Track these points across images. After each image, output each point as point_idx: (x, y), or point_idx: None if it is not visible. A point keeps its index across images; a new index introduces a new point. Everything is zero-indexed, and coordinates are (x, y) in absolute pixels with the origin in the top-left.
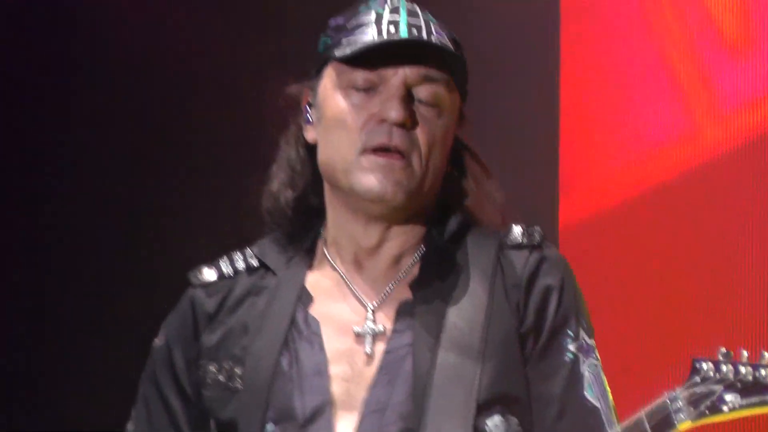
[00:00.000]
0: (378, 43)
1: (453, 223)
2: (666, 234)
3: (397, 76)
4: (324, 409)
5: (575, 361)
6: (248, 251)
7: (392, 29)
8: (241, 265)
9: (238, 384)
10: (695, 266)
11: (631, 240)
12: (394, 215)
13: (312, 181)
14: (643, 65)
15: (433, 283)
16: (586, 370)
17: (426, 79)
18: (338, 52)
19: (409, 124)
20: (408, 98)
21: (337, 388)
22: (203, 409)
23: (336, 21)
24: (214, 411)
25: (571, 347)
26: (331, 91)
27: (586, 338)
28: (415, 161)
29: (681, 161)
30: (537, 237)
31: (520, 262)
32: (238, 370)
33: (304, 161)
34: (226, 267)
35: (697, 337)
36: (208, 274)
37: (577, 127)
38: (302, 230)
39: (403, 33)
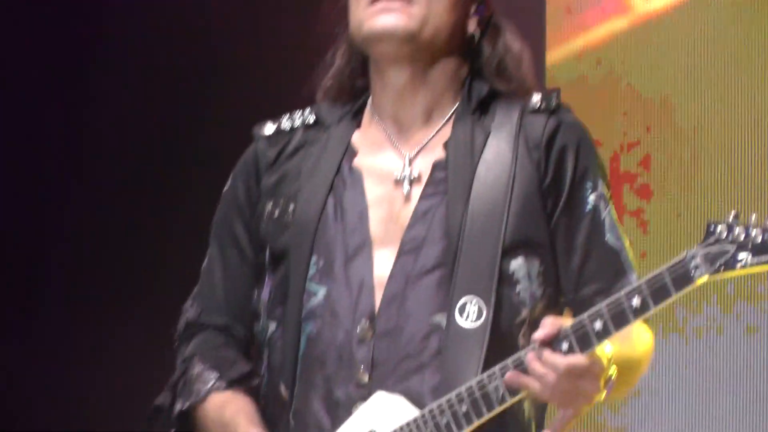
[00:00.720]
0: None
1: (481, 91)
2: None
3: None
4: (364, 247)
5: (596, 210)
6: (307, 110)
7: None
8: (298, 121)
9: (289, 218)
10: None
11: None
12: (409, 53)
13: (360, 67)
14: None
15: (463, 142)
16: (606, 217)
17: None
18: None
19: None
20: None
21: (376, 228)
22: (262, 241)
23: None
24: (269, 241)
25: (591, 198)
26: None
27: (603, 189)
28: (416, 4)
29: None
30: (554, 102)
31: (540, 125)
32: (290, 207)
33: (351, 51)
34: (285, 122)
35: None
36: (269, 128)
37: None
38: (351, 98)
39: None
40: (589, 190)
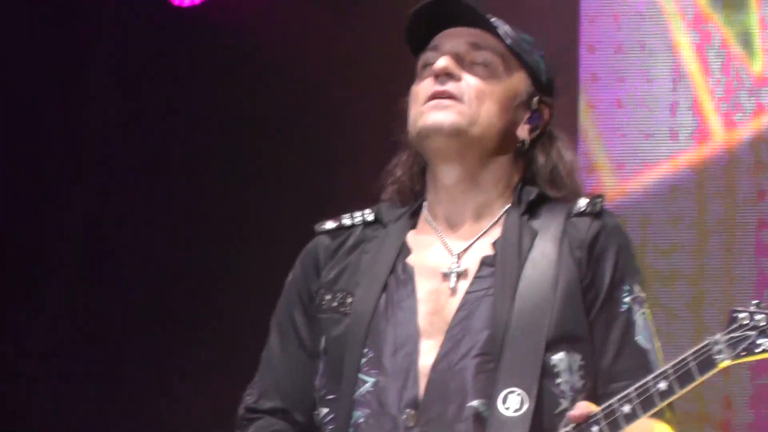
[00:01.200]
0: (415, 12)
1: (530, 194)
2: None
3: (442, 41)
4: (411, 339)
5: (630, 311)
6: (366, 210)
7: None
8: (359, 219)
9: (347, 309)
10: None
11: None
12: (457, 149)
13: (419, 172)
14: None
15: (511, 242)
16: (638, 319)
17: (474, 47)
18: (408, 37)
19: (455, 72)
20: (456, 58)
21: (423, 322)
22: (320, 330)
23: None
24: (326, 330)
25: (627, 299)
26: (416, 80)
27: (639, 292)
28: (466, 100)
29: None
30: (599, 206)
31: (584, 227)
32: (348, 300)
33: (414, 157)
34: (345, 220)
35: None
36: (329, 224)
37: None
38: (410, 199)
39: None
40: (626, 293)
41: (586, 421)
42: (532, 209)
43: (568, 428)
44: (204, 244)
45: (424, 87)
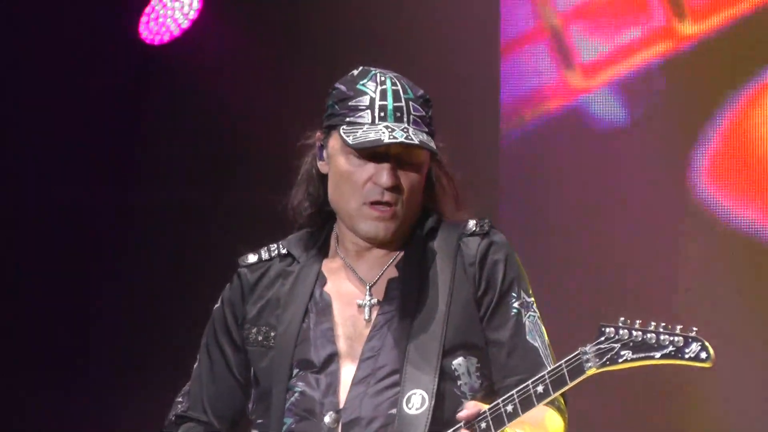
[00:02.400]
0: (372, 142)
1: (428, 223)
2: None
3: (388, 151)
4: (333, 359)
5: (519, 314)
6: (280, 244)
7: (382, 114)
8: (274, 252)
9: (272, 343)
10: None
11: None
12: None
13: (324, 196)
14: None
15: (413, 264)
16: (526, 321)
17: (407, 160)
18: (344, 134)
19: (396, 186)
20: (395, 165)
21: (342, 345)
22: (246, 359)
23: (340, 89)
24: (254, 362)
25: (516, 304)
26: (338, 151)
27: (526, 297)
28: (400, 208)
29: None
30: (486, 227)
31: (474, 245)
32: (272, 333)
33: (318, 183)
34: (264, 253)
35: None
36: (251, 258)
37: None
38: (318, 229)
39: (390, 119)
40: (515, 299)
41: (476, 418)
42: (429, 232)
43: (459, 425)
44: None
45: (366, 181)
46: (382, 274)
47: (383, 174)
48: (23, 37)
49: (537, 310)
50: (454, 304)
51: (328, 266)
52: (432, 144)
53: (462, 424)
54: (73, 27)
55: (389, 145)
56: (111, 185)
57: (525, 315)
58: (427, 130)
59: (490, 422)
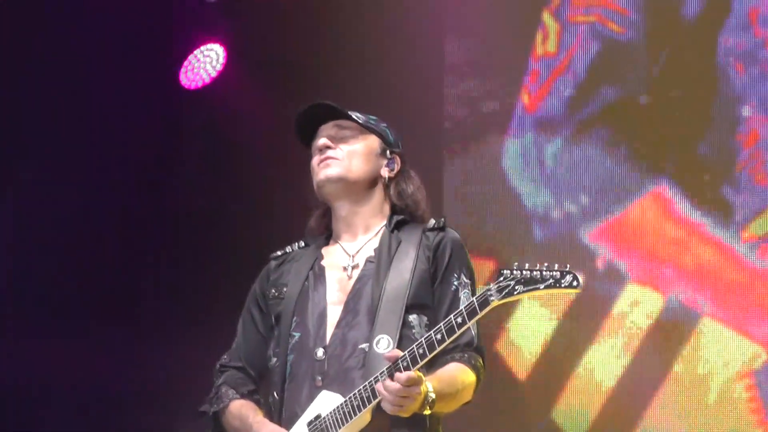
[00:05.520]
0: (301, 112)
1: (394, 220)
2: None
3: (320, 131)
4: (323, 308)
5: (456, 290)
6: (302, 240)
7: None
8: (296, 247)
9: (283, 295)
10: None
11: None
12: (344, 192)
13: (323, 216)
14: None
15: (384, 245)
16: (462, 296)
17: (339, 128)
18: (298, 135)
19: (330, 145)
20: (330, 138)
21: (331, 297)
22: (269, 319)
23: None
24: (272, 312)
25: (455, 282)
26: (312, 160)
27: (465, 279)
28: (339, 157)
29: None
30: (442, 224)
31: (433, 237)
32: (284, 289)
33: (320, 212)
34: (288, 248)
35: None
36: (278, 252)
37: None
38: (323, 231)
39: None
40: (456, 278)
41: (400, 356)
42: (398, 227)
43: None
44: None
45: (315, 160)
46: (362, 248)
47: (317, 142)
48: (91, 78)
49: (471, 290)
50: (415, 277)
51: (326, 248)
52: (345, 113)
53: (384, 371)
54: (131, 74)
55: (306, 107)
56: (157, 193)
57: (461, 291)
58: (349, 114)
59: (409, 361)
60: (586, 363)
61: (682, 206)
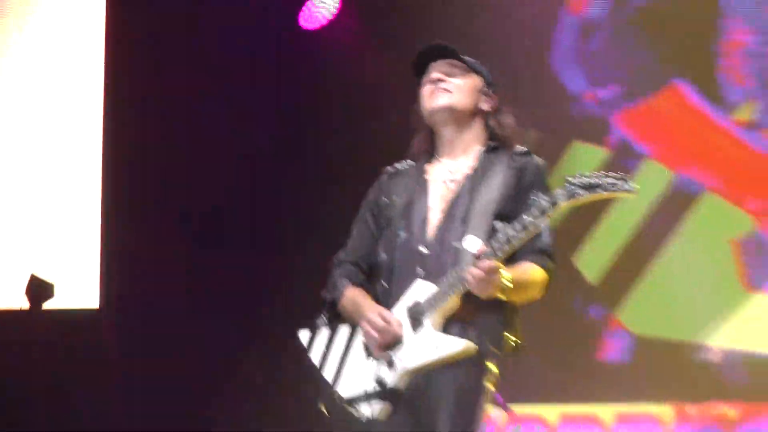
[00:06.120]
0: (423, 48)
1: (490, 146)
2: None
3: (433, 67)
4: (425, 213)
5: (532, 203)
6: (408, 160)
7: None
8: (405, 165)
9: (394, 203)
10: None
11: None
12: (450, 119)
13: (430, 137)
14: None
15: (479, 165)
16: (542, 216)
17: (450, 65)
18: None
19: (442, 78)
20: (441, 72)
21: (433, 204)
22: (380, 221)
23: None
24: (385, 214)
25: (533, 197)
26: (422, 87)
27: (541, 198)
28: (450, 89)
29: None
30: (527, 151)
31: (519, 160)
32: (393, 197)
33: (425, 133)
34: (399, 165)
35: None
36: (390, 169)
37: None
38: (426, 150)
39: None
40: (534, 194)
41: (486, 250)
42: (493, 151)
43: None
44: None
45: (427, 88)
46: (461, 167)
47: (431, 75)
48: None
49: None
50: (502, 192)
51: (430, 165)
52: (457, 54)
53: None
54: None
55: (424, 50)
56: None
57: (536, 203)
58: (459, 54)
59: (503, 243)
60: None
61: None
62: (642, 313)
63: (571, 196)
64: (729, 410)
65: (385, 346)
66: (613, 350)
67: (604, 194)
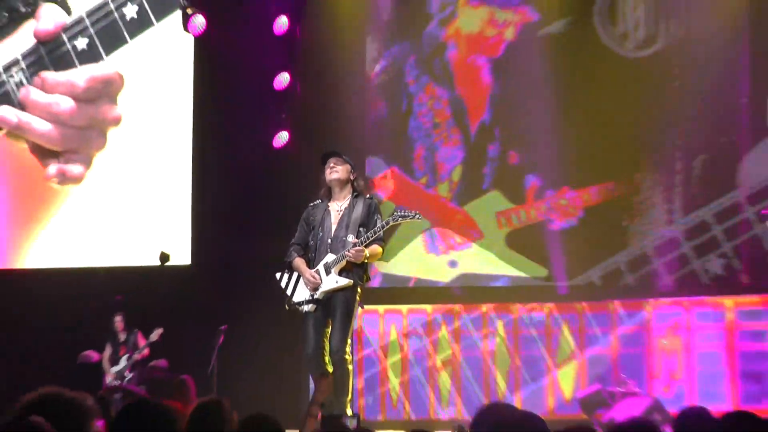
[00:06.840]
0: (323, 155)
1: (355, 194)
2: None
3: (329, 160)
4: (331, 225)
5: (375, 221)
6: (318, 200)
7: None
8: (319, 201)
9: (315, 219)
10: None
11: None
12: (337, 184)
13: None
14: None
15: (351, 204)
16: (378, 228)
17: (335, 159)
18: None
19: (333, 165)
20: (332, 162)
21: (333, 220)
22: (309, 225)
23: None
24: (310, 223)
25: (376, 219)
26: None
27: (379, 221)
28: (337, 170)
29: None
30: (371, 195)
31: (368, 200)
32: (316, 217)
33: (325, 188)
34: (317, 201)
35: None
36: (313, 203)
37: None
38: (327, 197)
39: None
40: (377, 218)
41: (357, 242)
42: (356, 197)
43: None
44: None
45: (327, 170)
46: (342, 206)
47: (329, 163)
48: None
49: (381, 221)
50: (362, 215)
51: (330, 204)
52: (339, 155)
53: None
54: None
55: (325, 153)
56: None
57: (378, 222)
58: (341, 154)
59: (365, 240)
60: None
61: None
62: None
63: (394, 219)
64: None
65: (313, 287)
66: None
67: (408, 220)
